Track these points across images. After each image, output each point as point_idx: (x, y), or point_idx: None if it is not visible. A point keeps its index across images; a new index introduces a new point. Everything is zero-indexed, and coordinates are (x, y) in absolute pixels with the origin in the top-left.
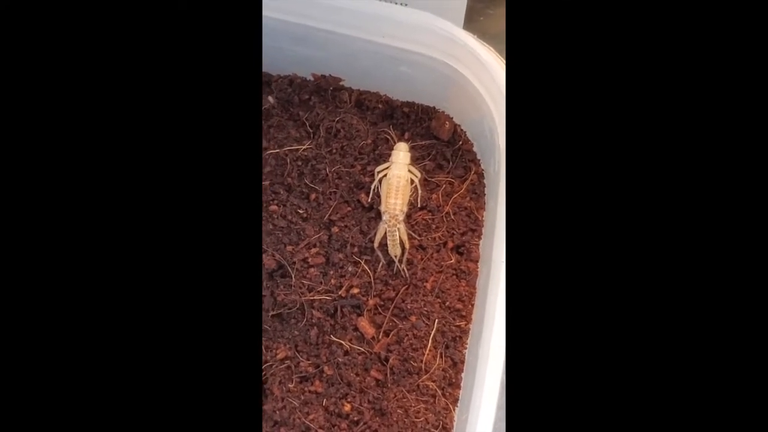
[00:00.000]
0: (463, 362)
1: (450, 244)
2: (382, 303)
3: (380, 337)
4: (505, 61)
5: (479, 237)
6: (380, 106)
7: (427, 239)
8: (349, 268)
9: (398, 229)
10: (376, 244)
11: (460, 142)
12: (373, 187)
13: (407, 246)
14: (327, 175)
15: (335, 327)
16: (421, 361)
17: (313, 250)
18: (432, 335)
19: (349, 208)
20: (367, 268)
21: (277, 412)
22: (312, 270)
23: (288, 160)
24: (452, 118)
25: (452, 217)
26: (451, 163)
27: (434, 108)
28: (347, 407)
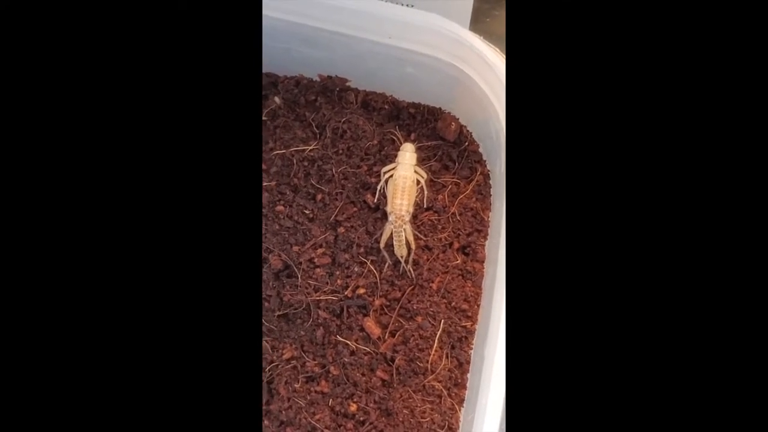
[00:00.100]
0: (468, 362)
1: (456, 245)
2: (388, 303)
3: (386, 337)
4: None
5: (485, 238)
6: (386, 106)
7: (433, 240)
8: (355, 269)
9: (404, 229)
10: (382, 245)
11: (466, 143)
12: (379, 187)
13: (413, 246)
14: (333, 175)
15: (341, 327)
16: (427, 362)
17: (320, 251)
18: (438, 335)
19: (355, 209)
20: (373, 268)
21: (284, 412)
22: (318, 270)
23: (294, 161)
24: (458, 119)
25: (458, 217)
26: (457, 163)
27: (440, 109)
28: (353, 407)
